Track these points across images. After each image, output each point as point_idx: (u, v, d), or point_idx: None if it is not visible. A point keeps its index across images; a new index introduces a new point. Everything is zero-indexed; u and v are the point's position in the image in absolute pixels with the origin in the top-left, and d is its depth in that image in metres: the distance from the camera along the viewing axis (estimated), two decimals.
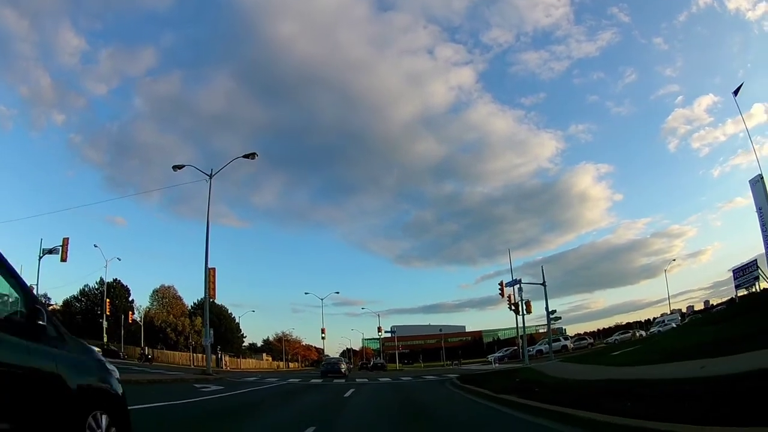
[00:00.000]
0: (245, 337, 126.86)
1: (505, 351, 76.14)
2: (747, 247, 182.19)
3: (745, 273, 59.61)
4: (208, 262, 41.88)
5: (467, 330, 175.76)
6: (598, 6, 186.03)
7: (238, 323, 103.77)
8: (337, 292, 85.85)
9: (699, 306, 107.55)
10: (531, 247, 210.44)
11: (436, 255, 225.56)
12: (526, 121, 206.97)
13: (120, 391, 6.47)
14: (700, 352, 18.21)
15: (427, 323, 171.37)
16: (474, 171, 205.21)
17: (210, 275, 41.81)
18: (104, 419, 5.78)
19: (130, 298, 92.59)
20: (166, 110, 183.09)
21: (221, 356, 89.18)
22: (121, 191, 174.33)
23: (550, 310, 48.05)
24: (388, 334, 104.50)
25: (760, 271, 52.56)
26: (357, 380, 38.03)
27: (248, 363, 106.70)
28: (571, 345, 72.57)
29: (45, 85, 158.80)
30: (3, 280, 5.08)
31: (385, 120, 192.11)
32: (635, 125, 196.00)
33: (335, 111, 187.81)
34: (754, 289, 56.15)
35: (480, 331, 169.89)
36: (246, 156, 41.81)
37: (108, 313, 76.05)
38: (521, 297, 47.29)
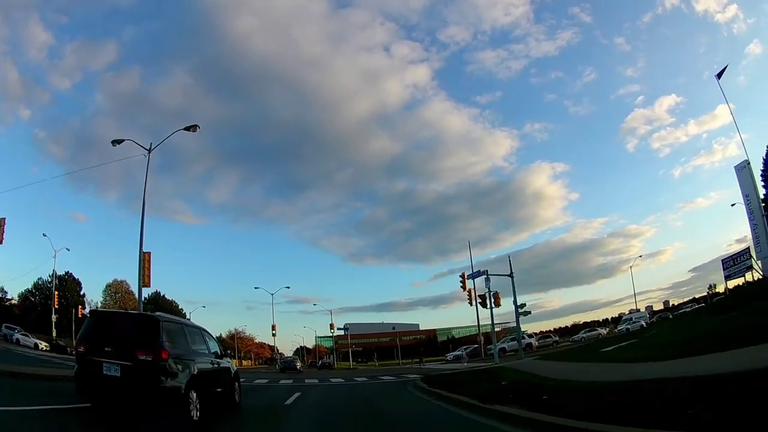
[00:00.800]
0: None
1: (465, 349, 71.94)
2: (708, 248, 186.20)
3: (737, 262, 56.71)
4: (143, 245, 36.42)
5: (421, 328, 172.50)
6: (559, 5, 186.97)
7: (189, 319, 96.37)
8: (288, 287, 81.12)
9: (658, 306, 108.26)
10: (485, 245, 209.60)
11: (389, 253, 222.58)
12: (481, 120, 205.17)
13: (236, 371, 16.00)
14: (721, 343, 15.04)
15: (381, 321, 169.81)
16: (428, 169, 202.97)
17: (144, 260, 36.27)
18: (237, 384, 15.59)
19: (82, 292, 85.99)
20: (125, 105, 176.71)
21: None
22: (81, 186, 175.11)
23: (518, 303, 43.36)
24: (341, 332, 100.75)
25: (753, 260, 49.22)
26: (306, 381, 33.25)
27: None
28: (536, 343, 68.68)
29: (13, 80, 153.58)
30: (215, 342, 14.95)
31: (339, 117, 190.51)
32: (593, 125, 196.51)
33: (290, 107, 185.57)
34: (747, 279, 53.06)
35: (434, 330, 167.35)
36: (187, 128, 36.41)
37: (57, 306, 70.48)
38: (489, 288, 42.87)
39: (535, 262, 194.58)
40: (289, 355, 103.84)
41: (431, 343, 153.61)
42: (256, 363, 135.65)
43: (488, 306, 42.80)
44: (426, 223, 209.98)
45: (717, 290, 78.40)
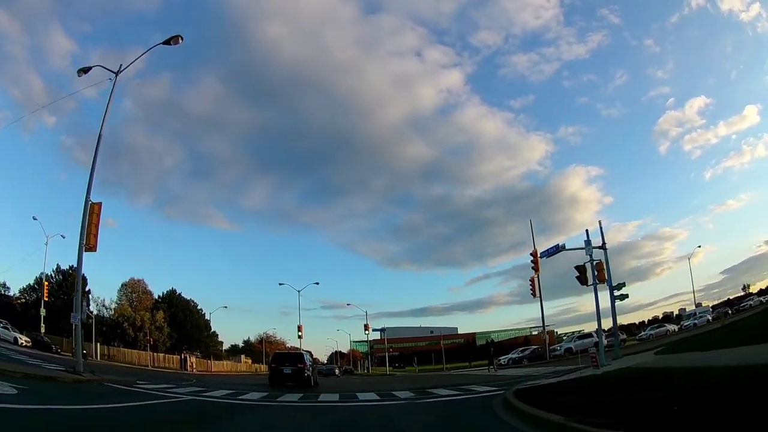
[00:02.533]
0: (216, 335, 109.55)
1: (522, 351, 58.45)
2: (739, 250, 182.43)
3: None
4: (91, 194, 24.40)
5: (459, 332, 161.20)
6: (588, 7, 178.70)
7: (209, 321, 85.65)
8: (317, 283, 69.79)
9: (690, 308, 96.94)
10: (521, 249, 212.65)
11: (425, 258, 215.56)
12: (516, 124, 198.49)
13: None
14: None
15: (418, 325, 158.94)
16: (464, 174, 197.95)
17: (92, 213, 24.10)
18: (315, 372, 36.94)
19: (87, 288, 74.14)
20: (155, 112, 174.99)
21: (186, 357, 71.37)
22: (112, 192, 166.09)
23: (614, 284, 29.47)
24: (377, 334, 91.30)
25: None
26: (320, 398, 20.49)
27: (221, 365, 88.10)
28: (606, 340, 54.84)
29: (36, 88, 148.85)
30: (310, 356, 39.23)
31: (373, 122, 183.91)
32: (626, 127, 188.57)
33: (323, 113, 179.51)
34: None
35: (473, 333, 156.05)
36: (167, 42, 24.78)
37: (47, 299, 61.76)
38: (590, 255, 29.21)
39: (570, 266, 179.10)
40: (319, 359, 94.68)
41: (470, 347, 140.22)
42: None
43: (590, 282, 29.03)
44: (462, 228, 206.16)
45: (750, 290, 73.97)
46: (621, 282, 30.22)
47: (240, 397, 19.30)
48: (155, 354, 69.72)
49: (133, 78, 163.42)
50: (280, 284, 71.28)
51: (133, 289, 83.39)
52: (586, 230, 30.62)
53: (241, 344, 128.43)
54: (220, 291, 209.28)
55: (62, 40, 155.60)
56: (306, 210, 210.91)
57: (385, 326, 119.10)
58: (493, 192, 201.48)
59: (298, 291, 68.78)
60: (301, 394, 22.01)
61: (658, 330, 61.29)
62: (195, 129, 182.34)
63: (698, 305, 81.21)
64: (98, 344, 61.66)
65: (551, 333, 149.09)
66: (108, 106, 26.73)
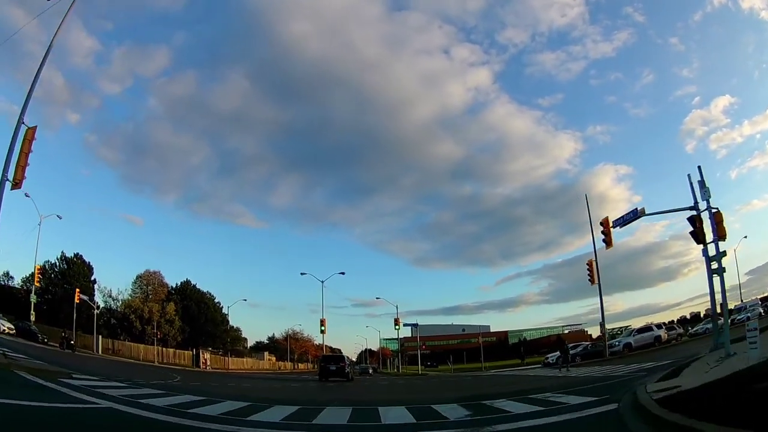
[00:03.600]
0: (239, 331, 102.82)
1: (573, 347, 49.48)
2: (764, 250, 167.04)
3: None
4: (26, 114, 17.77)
5: (491, 330, 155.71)
6: (613, 6, 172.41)
7: (226, 315, 78.09)
8: (342, 273, 60.95)
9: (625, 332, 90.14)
10: (551, 249, 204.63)
11: (455, 256, 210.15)
12: (545, 122, 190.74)
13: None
14: None
15: (450, 323, 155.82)
16: (493, 172, 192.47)
17: (25, 138, 17.28)
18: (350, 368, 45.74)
19: (92, 277, 67.72)
20: (180, 110, 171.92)
21: (199, 353, 64.25)
22: (137, 189, 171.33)
23: (719, 250, 20.56)
24: (407, 331, 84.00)
25: None
26: (320, 415, 12.23)
27: (241, 363, 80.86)
28: (665, 335, 46.12)
29: (58, 85, 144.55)
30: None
31: (401, 120, 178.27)
32: (653, 126, 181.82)
33: (351, 111, 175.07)
34: None
35: (505, 332, 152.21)
36: None
37: (37, 284, 54.43)
38: (707, 200, 20.55)
39: (600, 265, 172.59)
40: (349, 356, 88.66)
41: (502, 346, 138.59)
42: (314, 366, 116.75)
43: (709, 238, 20.50)
44: (492, 226, 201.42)
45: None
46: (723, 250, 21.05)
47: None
48: (164, 349, 62.98)
49: (158, 76, 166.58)
50: (302, 274, 63.50)
51: (148, 282, 75.73)
52: (698, 167, 21.94)
53: (265, 341, 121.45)
54: (248, 289, 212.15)
55: (84, 39, 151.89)
56: (334, 208, 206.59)
57: (415, 325, 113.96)
58: (523, 191, 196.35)
59: (322, 281, 61.04)
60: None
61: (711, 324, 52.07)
62: (221, 126, 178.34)
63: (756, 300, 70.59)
64: (100, 337, 55.86)
65: (582, 332, 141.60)
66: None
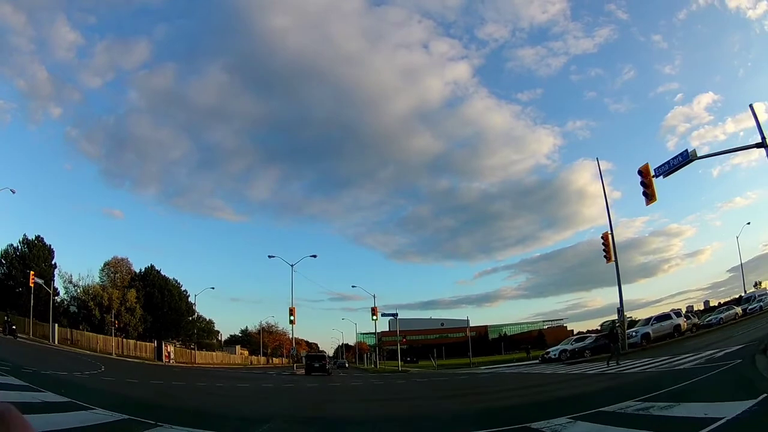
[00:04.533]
0: (208, 322, 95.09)
1: (579, 340, 43.34)
2: (747, 248, 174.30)
3: None
4: None
5: (471, 325, 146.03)
6: (595, 2, 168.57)
7: (193, 304, 70.68)
8: (314, 256, 53.48)
9: (699, 306, 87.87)
10: (529, 243, 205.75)
11: (432, 250, 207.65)
12: (523, 117, 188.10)
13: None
14: None
15: (429, 317, 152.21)
16: (471, 166, 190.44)
17: None
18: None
19: (53, 261, 60.62)
20: (160, 103, 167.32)
21: (161, 345, 57.75)
22: (117, 184, 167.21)
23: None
24: (385, 325, 78.54)
25: None
26: None
27: (209, 357, 73.92)
28: (685, 324, 40.25)
29: (42, 79, 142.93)
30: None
31: (380, 114, 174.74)
32: (634, 122, 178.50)
33: (330, 104, 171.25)
34: None
35: (485, 326, 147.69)
36: None
37: None
38: None
39: (578, 260, 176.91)
40: (326, 351, 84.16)
41: (482, 341, 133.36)
42: (290, 361, 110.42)
43: None
44: (470, 221, 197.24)
45: (763, 286, 64.42)
46: None
47: None
48: (125, 340, 56.17)
49: (138, 69, 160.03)
50: (269, 257, 56.44)
51: (116, 269, 68.94)
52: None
53: (239, 334, 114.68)
54: (227, 284, 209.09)
55: (67, 32, 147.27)
56: (313, 201, 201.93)
57: (394, 315, 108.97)
58: (501, 185, 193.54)
59: (291, 265, 54.10)
60: None
61: (727, 313, 46.99)
62: (201, 120, 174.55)
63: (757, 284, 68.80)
64: (56, 325, 49.50)
65: (563, 327, 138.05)
66: None
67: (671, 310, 41.92)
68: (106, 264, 69.11)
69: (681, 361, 19.13)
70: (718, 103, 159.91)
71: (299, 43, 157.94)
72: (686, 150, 21.83)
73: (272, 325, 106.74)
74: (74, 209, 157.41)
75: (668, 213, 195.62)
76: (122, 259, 70.55)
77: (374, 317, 55.15)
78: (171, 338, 62.93)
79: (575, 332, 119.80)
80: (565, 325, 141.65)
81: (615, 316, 67.83)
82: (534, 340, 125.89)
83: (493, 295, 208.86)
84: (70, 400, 11.25)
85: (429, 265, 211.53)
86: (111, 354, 49.16)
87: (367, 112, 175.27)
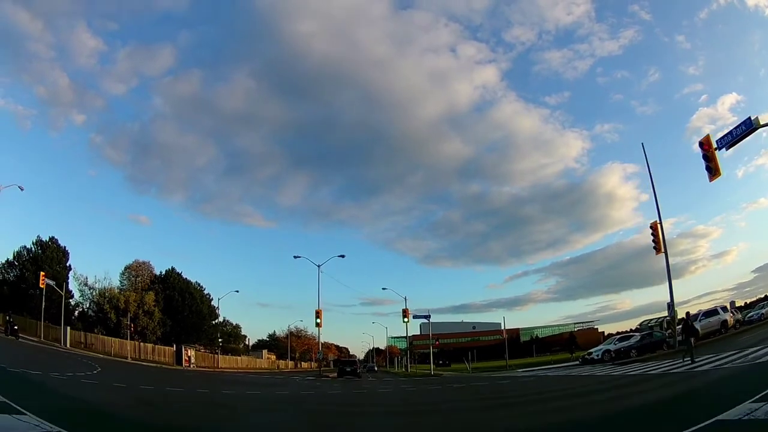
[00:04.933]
0: (234, 327, 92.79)
1: (622, 339, 38.61)
2: None
3: None
4: None
5: (502, 328, 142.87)
6: (619, 3, 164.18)
7: (216, 307, 67.63)
8: (342, 256, 49.87)
9: (665, 325, 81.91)
10: (559, 247, 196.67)
11: (463, 255, 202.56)
12: (552, 121, 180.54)
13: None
14: None
15: (460, 320, 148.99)
16: (501, 171, 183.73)
17: None
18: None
19: (68, 263, 58.11)
20: (186, 109, 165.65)
21: (181, 349, 54.55)
22: (143, 190, 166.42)
23: None
24: (416, 328, 74.41)
25: None
26: None
27: (233, 361, 70.61)
28: (731, 319, 36.50)
29: (63, 86, 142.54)
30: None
31: (409, 119, 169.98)
32: (660, 124, 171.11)
33: (358, 110, 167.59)
34: None
35: (517, 329, 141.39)
36: None
37: None
38: None
39: (608, 263, 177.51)
40: (356, 355, 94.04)
41: (514, 344, 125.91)
42: (317, 365, 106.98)
43: None
44: (500, 225, 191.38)
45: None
46: None
47: None
48: (142, 344, 53.11)
49: (163, 75, 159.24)
50: (295, 257, 53.34)
51: (137, 273, 66.17)
52: None
53: (266, 338, 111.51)
54: (257, 289, 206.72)
55: (88, 39, 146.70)
56: (342, 207, 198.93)
57: (425, 322, 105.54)
58: (530, 189, 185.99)
59: (318, 266, 50.77)
60: None
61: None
62: (228, 126, 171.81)
63: None
64: (68, 328, 46.87)
65: (594, 329, 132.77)
66: None
67: (717, 306, 37.30)
68: (127, 267, 66.30)
69: (753, 356, 16.27)
70: (742, 104, 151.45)
71: (326, 47, 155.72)
72: (749, 117, 18.72)
73: (301, 330, 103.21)
74: (98, 215, 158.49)
75: (695, 215, 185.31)
76: (144, 263, 67.71)
77: (405, 319, 50.79)
78: (192, 342, 59.62)
79: (605, 334, 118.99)
80: (596, 327, 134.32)
81: (651, 316, 62.31)
82: (565, 342, 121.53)
83: (524, 299, 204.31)
84: (3, 400, 9.91)
85: (460, 270, 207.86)
86: (126, 358, 46.40)
87: (395, 117, 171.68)
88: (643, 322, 61.01)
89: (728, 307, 38.43)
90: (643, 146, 38.68)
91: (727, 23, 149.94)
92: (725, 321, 34.91)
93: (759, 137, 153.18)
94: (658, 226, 32.80)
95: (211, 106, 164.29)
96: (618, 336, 41.70)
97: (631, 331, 54.32)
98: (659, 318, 60.99)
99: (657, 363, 22.34)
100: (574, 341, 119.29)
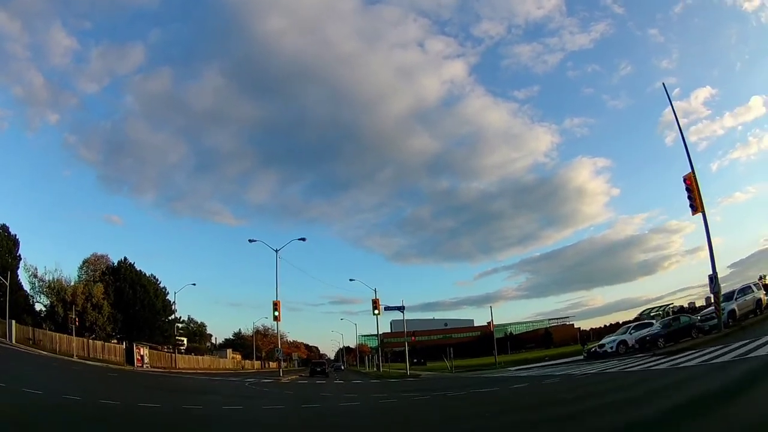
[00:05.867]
0: (200, 325, 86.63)
1: (642, 326, 32.96)
2: (747, 243, 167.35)
3: None
4: None
5: (476, 324, 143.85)
6: None
7: (171, 300, 60.53)
8: (303, 239, 43.46)
9: (700, 302, 78.61)
10: (529, 243, 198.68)
11: (433, 252, 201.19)
12: (521, 115, 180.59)
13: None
14: None
15: (431, 317, 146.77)
16: (469, 166, 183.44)
17: None
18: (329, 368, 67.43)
19: (18, 252, 51.58)
20: (156, 107, 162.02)
21: (132, 347, 48.27)
22: (115, 189, 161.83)
23: None
24: (386, 324, 69.12)
25: None
26: None
27: (194, 361, 63.92)
28: (765, 297, 30.42)
29: (38, 85, 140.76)
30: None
31: (377, 115, 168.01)
32: (632, 118, 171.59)
33: (327, 106, 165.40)
34: None
35: (490, 325, 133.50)
36: None
37: None
38: None
39: (579, 259, 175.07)
40: (326, 354, 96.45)
41: (487, 340, 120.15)
42: (289, 365, 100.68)
43: None
44: (469, 221, 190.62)
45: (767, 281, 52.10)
46: None
47: None
48: (91, 341, 46.74)
49: (134, 73, 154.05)
50: (250, 241, 47.38)
51: (95, 266, 59.45)
52: None
53: (231, 337, 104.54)
54: (226, 287, 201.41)
55: (63, 38, 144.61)
56: (312, 204, 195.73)
57: (394, 319, 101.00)
58: (500, 184, 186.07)
59: (276, 250, 44.38)
60: None
61: None
62: (198, 123, 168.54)
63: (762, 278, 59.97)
64: (13, 322, 41.01)
65: (570, 326, 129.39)
66: None
67: (750, 283, 31.94)
68: (86, 261, 59.39)
69: None
70: (716, 98, 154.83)
71: (295, 45, 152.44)
72: None
73: (268, 328, 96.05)
74: (72, 215, 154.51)
75: (668, 209, 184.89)
76: (102, 256, 60.63)
77: (376, 311, 44.82)
78: (146, 340, 52.97)
79: (581, 330, 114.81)
80: (571, 323, 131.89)
81: (651, 305, 57.42)
82: (540, 339, 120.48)
83: (494, 296, 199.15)
84: None
85: (429, 267, 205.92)
86: (72, 356, 40.49)
87: (364, 113, 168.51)
88: (644, 311, 57.49)
89: (760, 284, 33.10)
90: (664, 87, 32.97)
91: (703, 17, 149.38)
92: (759, 300, 29.72)
93: (733, 131, 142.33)
94: (693, 178, 26.47)
95: (181, 104, 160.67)
96: (633, 324, 35.72)
97: (628, 322, 48.83)
98: (661, 306, 56.86)
99: (702, 351, 17.03)
100: (550, 337, 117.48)
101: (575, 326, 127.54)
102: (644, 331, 30.13)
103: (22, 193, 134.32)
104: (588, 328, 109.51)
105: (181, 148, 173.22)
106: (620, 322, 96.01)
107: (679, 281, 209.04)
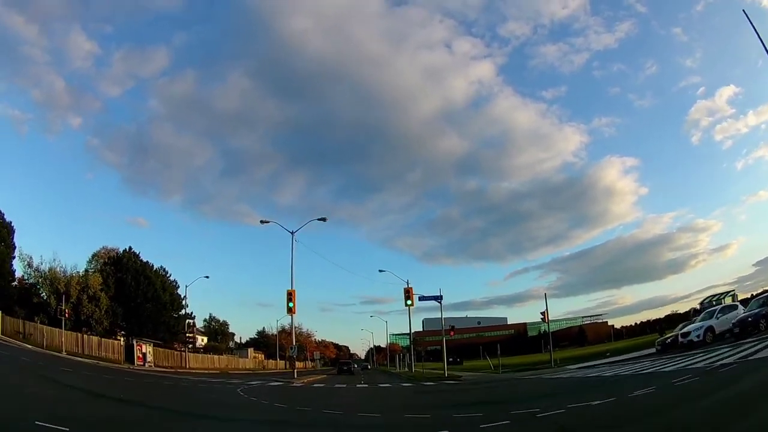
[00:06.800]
0: (222, 324, 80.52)
1: (728, 309, 25.20)
2: None
3: None
4: None
5: (509, 323, 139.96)
6: None
7: (181, 295, 53.48)
8: (324, 219, 36.42)
9: (728, 300, 71.25)
10: (558, 243, 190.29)
11: (462, 252, 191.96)
12: (549, 115, 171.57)
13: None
14: None
15: (464, 316, 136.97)
16: (498, 166, 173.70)
17: None
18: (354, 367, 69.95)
19: (12, 240, 45.74)
20: (181, 110, 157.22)
21: (132, 344, 42.06)
22: (141, 191, 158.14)
23: None
24: (419, 324, 61.27)
25: None
26: None
27: (209, 361, 57.39)
28: None
29: (59, 89, 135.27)
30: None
31: (406, 116, 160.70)
32: (658, 118, 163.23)
33: (354, 107, 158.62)
34: None
35: (524, 323, 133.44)
36: None
37: None
38: None
39: (608, 258, 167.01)
40: (349, 359, 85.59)
41: (521, 339, 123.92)
42: (315, 365, 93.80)
43: None
44: (499, 221, 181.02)
45: None
46: None
47: None
48: (87, 337, 40.92)
49: (158, 76, 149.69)
50: (261, 222, 40.41)
51: (105, 260, 53.87)
52: None
53: (255, 336, 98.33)
54: (255, 287, 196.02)
55: (83, 42, 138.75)
56: (340, 205, 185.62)
57: (427, 317, 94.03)
58: (529, 185, 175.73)
59: (292, 233, 37.69)
60: None
61: None
62: (224, 126, 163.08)
63: None
64: (1, 314, 37.33)
65: (604, 323, 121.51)
66: None
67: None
68: (95, 255, 53.64)
69: None
70: (740, 96, 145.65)
71: (321, 45, 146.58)
72: None
73: (295, 327, 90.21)
74: (95, 217, 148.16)
75: (695, 208, 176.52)
76: (112, 250, 54.77)
77: (409, 302, 37.34)
78: (149, 335, 46.57)
79: (614, 327, 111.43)
80: (605, 321, 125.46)
81: (712, 292, 49.90)
82: (574, 337, 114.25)
83: (524, 295, 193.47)
84: None
85: (459, 267, 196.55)
86: (61, 352, 35.65)
87: (392, 114, 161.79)
88: (705, 299, 49.59)
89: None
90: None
91: (724, 15, 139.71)
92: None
93: (757, 129, 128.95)
94: None
95: (207, 107, 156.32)
96: (718, 308, 27.59)
97: (695, 311, 41.40)
98: (721, 294, 48.92)
99: None
100: (584, 335, 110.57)
101: (608, 323, 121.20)
102: (745, 314, 22.35)
103: (44, 195, 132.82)
104: (619, 326, 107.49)
105: (207, 150, 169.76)
106: (650, 320, 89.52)
107: (705, 280, 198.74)
